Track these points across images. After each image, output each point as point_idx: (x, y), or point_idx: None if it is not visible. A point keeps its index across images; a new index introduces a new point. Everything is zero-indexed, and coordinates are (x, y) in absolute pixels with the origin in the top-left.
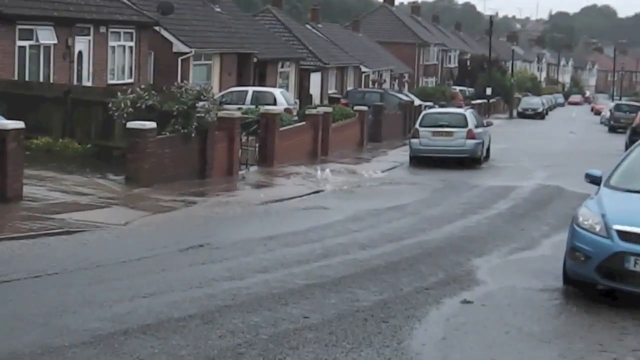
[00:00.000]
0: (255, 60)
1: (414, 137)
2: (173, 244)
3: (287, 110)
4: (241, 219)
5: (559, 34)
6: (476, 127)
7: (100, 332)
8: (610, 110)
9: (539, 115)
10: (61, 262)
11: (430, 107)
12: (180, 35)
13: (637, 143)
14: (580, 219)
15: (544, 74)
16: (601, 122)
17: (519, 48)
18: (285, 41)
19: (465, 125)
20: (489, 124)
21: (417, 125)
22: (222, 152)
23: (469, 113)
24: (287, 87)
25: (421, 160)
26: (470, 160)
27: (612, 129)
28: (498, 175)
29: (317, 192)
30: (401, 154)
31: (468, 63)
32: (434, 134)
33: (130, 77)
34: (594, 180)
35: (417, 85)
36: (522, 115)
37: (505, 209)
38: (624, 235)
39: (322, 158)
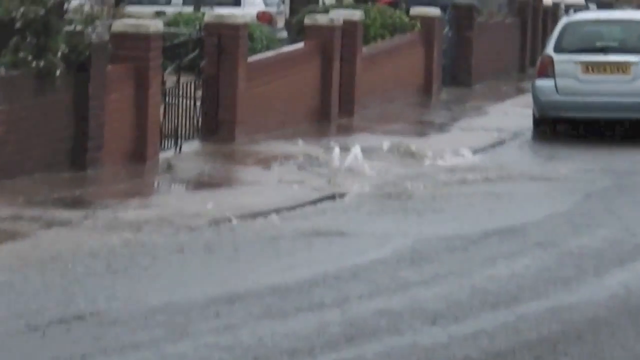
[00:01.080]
0: None
1: (543, 75)
2: (13, 319)
3: (262, 17)
4: (163, 260)
5: None
6: None
7: None
8: None
9: None
10: None
11: (579, 10)
12: None
13: None
14: None
15: None
16: None
17: None
18: None
19: None
20: None
21: (549, 50)
22: (122, 113)
23: None
24: None
25: (560, 128)
26: None
27: None
28: None
29: (330, 198)
30: (515, 114)
31: None
32: (589, 68)
33: None
34: None
35: None
36: None
37: None
38: None
39: (342, 122)
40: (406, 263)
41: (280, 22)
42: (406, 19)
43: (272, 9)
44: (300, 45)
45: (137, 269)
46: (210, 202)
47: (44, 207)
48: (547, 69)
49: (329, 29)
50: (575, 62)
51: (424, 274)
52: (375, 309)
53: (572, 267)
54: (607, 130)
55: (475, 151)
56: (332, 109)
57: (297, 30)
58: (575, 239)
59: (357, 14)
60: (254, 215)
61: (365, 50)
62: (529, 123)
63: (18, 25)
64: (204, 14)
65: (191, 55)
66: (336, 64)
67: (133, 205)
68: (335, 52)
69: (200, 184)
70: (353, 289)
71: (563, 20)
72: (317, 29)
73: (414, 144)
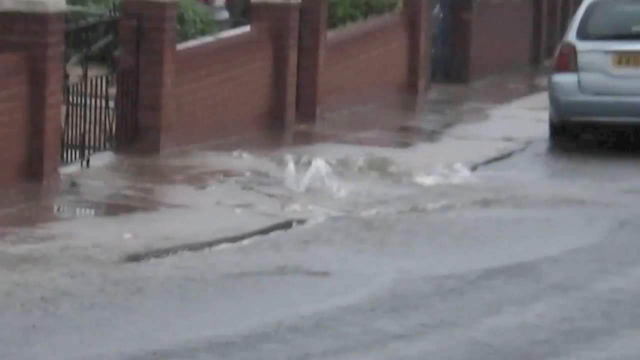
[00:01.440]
0: None
1: (563, 69)
2: None
3: None
4: (64, 308)
5: None
6: None
7: None
8: None
9: None
10: None
11: None
12: None
13: None
14: None
15: None
16: None
17: None
18: None
19: None
20: None
21: (572, 37)
22: (11, 117)
23: None
24: None
25: (585, 136)
26: None
27: None
28: None
29: (284, 226)
30: (526, 119)
31: None
32: (622, 59)
33: None
34: None
35: None
36: None
37: None
38: None
39: (301, 129)
40: (383, 310)
41: (220, 0)
42: None
43: None
44: (245, 29)
45: (23, 320)
46: (127, 232)
47: None
48: (569, 61)
49: (283, 8)
50: (605, 52)
51: (407, 325)
52: None
53: (599, 316)
54: None
55: (473, 167)
56: (287, 111)
57: (241, 10)
58: (604, 281)
59: None
60: (184, 248)
61: (331, 36)
62: (544, 130)
63: None
64: None
65: (102, 42)
66: (292, 54)
67: (23, 236)
68: (292, 38)
69: (114, 207)
70: (315, 344)
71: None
72: (268, 8)
73: (394, 157)
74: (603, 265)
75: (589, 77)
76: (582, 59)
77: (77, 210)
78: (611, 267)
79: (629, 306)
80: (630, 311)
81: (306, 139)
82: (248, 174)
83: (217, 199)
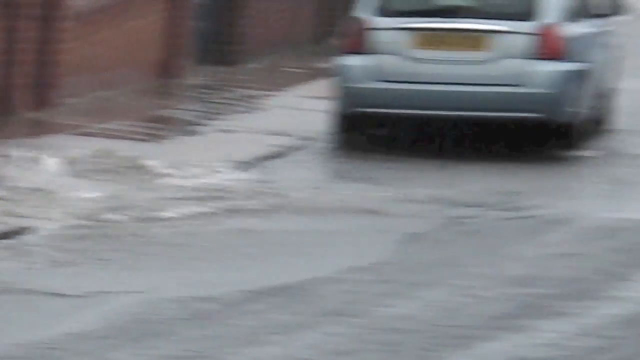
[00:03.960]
0: None
1: (353, 50)
2: None
3: None
4: None
5: None
6: (571, 18)
7: None
8: None
9: None
10: None
11: None
12: None
13: None
14: None
15: None
16: None
17: None
18: None
19: (532, 14)
20: (616, 12)
21: (364, 11)
22: None
23: None
24: None
25: (378, 132)
26: (544, 132)
27: None
28: (633, 188)
29: (7, 235)
30: (306, 109)
31: None
32: (426, 40)
33: None
34: None
35: None
36: None
37: None
38: None
39: (33, 116)
40: (122, 339)
41: None
42: None
43: None
44: None
45: None
46: None
47: None
48: (360, 41)
49: None
50: (405, 31)
51: (149, 357)
52: None
53: (382, 350)
54: (452, 137)
55: (238, 166)
56: (15, 95)
57: None
58: (389, 306)
59: None
60: None
61: (78, 4)
62: (328, 123)
63: None
64: None
65: None
66: (25, 24)
67: None
68: (25, 5)
69: None
70: None
71: None
72: None
73: (144, 153)
74: (387, 288)
75: (385, 61)
76: (377, 38)
77: None
78: (398, 290)
79: (414, 338)
80: (416, 345)
81: (39, 129)
82: None
83: None
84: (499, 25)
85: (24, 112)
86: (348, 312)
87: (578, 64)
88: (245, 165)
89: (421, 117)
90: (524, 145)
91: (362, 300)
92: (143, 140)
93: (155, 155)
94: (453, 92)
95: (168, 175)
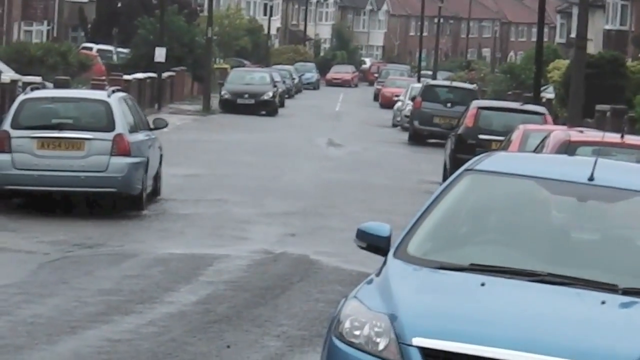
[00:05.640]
0: None
1: (1, 149)
2: None
3: None
4: None
5: None
6: (132, 130)
7: None
8: (414, 99)
9: (266, 107)
10: None
11: (37, 89)
12: None
13: (467, 165)
14: (347, 324)
15: (277, 23)
16: (395, 123)
17: None
18: None
19: (110, 127)
20: (159, 126)
21: (6, 126)
22: None
23: (116, 101)
24: None
25: (18, 201)
26: (120, 200)
27: (417, 137)
28: (178, 234)
29: None
30: None
31: None
32: (45, 144)
33: None
34: (375, 244)
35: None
36: (230, 105)
37: (186, 306)
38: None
39: None
40: None
41: None
42: None
43: None
44: None
45: None
46: None
47: None
48: (4, 144)
49: None
50: (32, 138)
51: None
52: None
53: (24, 335)
54: (66, 204)
55: None
56: None
57: None
58: (29, 308)
59: None
60: None
61: None
62: None
63: None
64: None
65: None
66: None
67: None
68: None
69: None
70: None
71: (20, 97)
72: None
73: None
74: (27, 297)
75: (19, 157)
76: (14, 142)
77: None
78: (33, 298)
79: (45, 327)
80: (46, 332)
81: None
82: None
83: None
84: (89, 134)
85: None
86: (1, 312)
87: (139, 158)
88: None
89: (43, 191)
90: (107, 208)
91: (11, 304)
92: None
93: None
94: (62, 176)
95: None
